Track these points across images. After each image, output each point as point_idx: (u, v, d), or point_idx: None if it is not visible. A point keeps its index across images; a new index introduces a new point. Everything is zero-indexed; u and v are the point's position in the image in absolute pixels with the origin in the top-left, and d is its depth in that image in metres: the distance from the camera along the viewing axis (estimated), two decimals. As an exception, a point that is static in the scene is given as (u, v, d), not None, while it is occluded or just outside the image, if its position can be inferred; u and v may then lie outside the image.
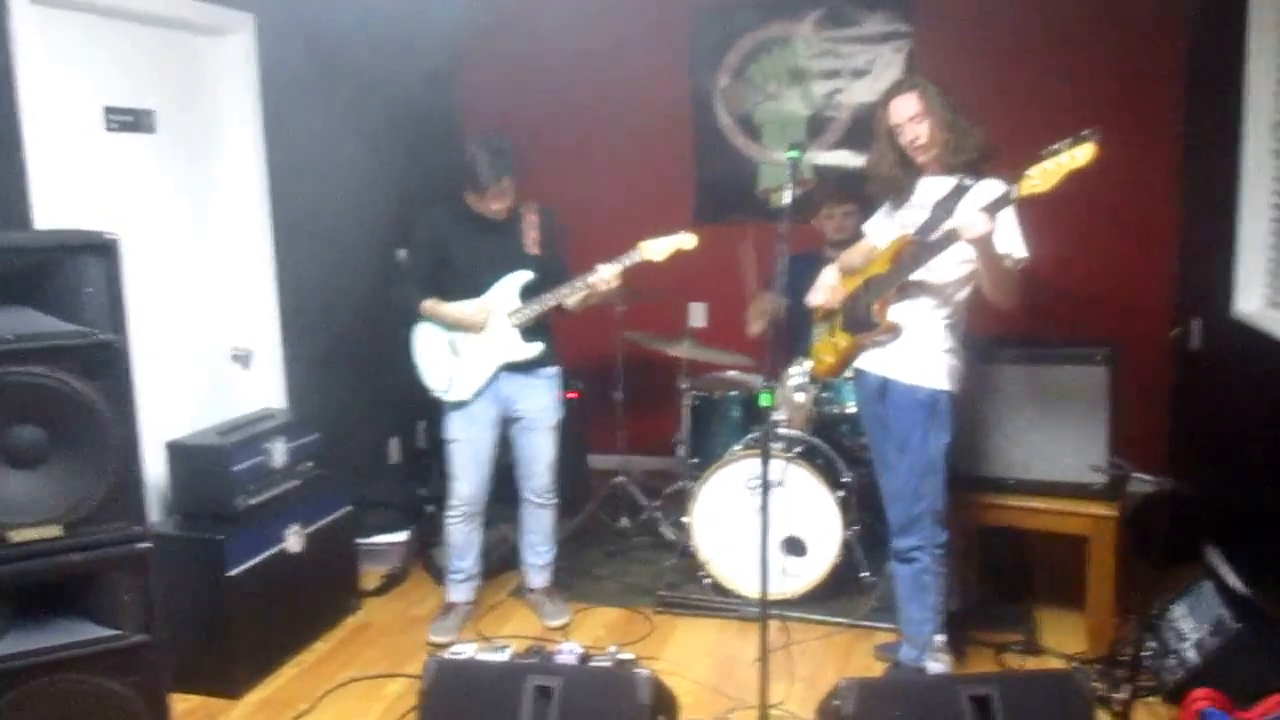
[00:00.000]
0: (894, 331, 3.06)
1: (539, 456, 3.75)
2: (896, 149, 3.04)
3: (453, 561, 3.82)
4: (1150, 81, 4.64)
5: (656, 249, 3.49)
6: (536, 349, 3.61)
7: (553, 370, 3.73)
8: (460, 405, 3.63)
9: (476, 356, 3.60)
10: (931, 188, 3.06)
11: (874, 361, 3.16)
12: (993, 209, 2.73)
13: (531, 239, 3.61)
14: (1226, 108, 3.75)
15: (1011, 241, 2.89)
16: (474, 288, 3.59)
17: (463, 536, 3.77)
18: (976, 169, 2.98)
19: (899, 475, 3.13)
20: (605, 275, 3.47)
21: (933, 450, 3.07)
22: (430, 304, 3.59)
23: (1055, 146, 2.64)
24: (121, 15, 3.47)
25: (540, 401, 3.70)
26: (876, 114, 3.11)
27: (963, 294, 3.06)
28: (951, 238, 2.83)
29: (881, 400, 3.15)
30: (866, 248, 3.29)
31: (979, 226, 2.72)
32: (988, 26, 4.81)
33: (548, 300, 3.54)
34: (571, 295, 3.53)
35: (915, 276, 2.99)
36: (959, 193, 2.98)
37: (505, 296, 3.59)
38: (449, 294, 3.60)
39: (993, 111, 4.59)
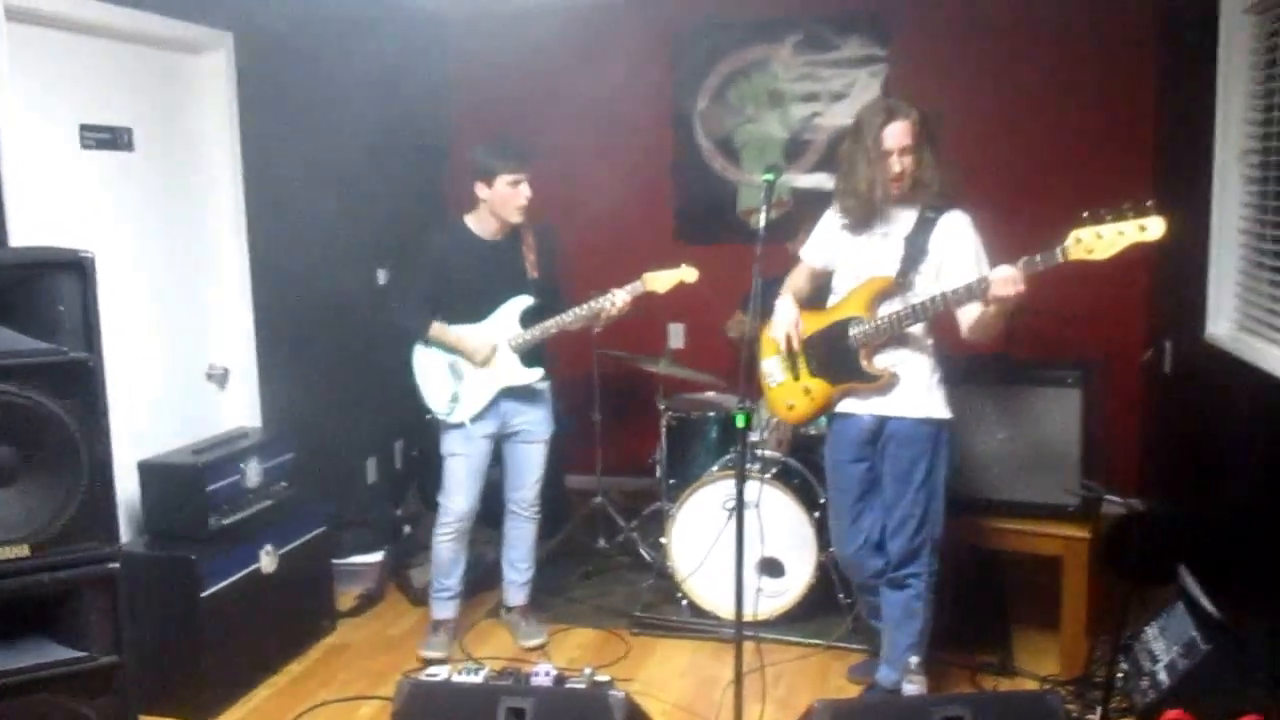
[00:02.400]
0: (894, 381, 3.03)
1: (530, 470, 3.78)
2: (877, 169, 2.94)
3: (439, 580, 3.78)
4: (1123, 107, 4.71)
5: (660, 280, 3.54)
6: (536, 374, 3.64)
7: (546, 384, 3.76)
8: (459, 425, 3.63)
9: (478, 380, 3.61)
10: (896, 216, 3.04)
11: (864, 404, 3.10)
12: (1029, 268, 2.68)
13: (530, 262, 3.63)
14: (1198, 134, 3.81)
15: (982, 266, 2.90)
16: (474, 311, 3.60)
17: (451, 554, 3.75)
18: (938, 203, 2.99)
19: (901, 509, 3.09)
20: (618, 301, 3.51)
21: (938, 479, 3.07)
22: (438, 328, 3.59)
23: (1104, 212, 2.54)
24: (98, 33, 3.46)
25: (536, 415, 3.74)
26: (861, 127, 2.98)
27: (927, 326, 3.06)
28: (975, 290, 2.78)
29: (872, 443, 3.11)
30: (806, 271, 3.25)
31: (1015, 286, 2.68)
32: (963, 53, 4.87)
33: (549, 328, 3.57)
34: (574, 323, 3.57)
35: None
36: (927, 225, 2.98)
37: (506, 322, 3.60)
38: (447, 315, 3.60)
39: (967, 136, 4.69)
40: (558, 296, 3.64)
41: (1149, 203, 2.52)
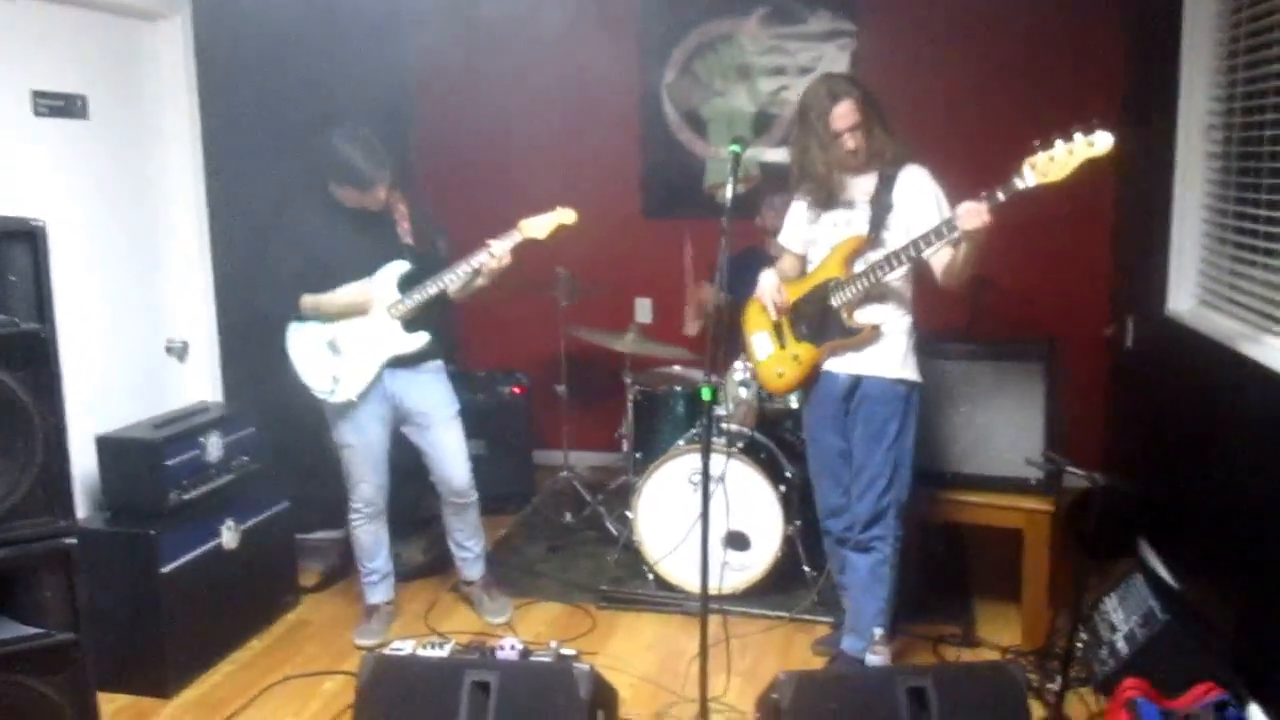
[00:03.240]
0: (876, 336, 3.08)
1: (446, 453, 3.65)
2: (832, 152, 3.03)
3: (364, 564, 3.74)
4: (1089, 81, 4.72)
5: (537, 226, 3.43)
6: (421, 340, 3.52)
7: (438, 364, 3.65)
8: (347, 409, 3.52)
9: (359, 352, 3.48)
10: (856, 184, 3.11)
11: (842, 362, 3.15)
12: (991, 200, 2.74)
13: (404, 229, 3.53)
14: (1162, 109, 3.83)
15: (944, 210, 2.95)
16: (348, 279, 3.47)
17: (370, 537, 3.71)
18: (894, 165, 3.07)
19: (870, 469, 3.13)
20: (496, 251, 3.37)
21: (906, 441, 3.13)
22: (310, 299, 3.46)
23: (1054, 137, 2.62)
24: (51, -3, 3.38)
25: (430, 397, 3.61)
26: (808, 113, 3.05)
27: (909, 286, 3.12)
28: (943, 231, 2.84)
29: (847, 400, 3.16)
30: (791, 258, 3.33)
31: (981, 218, 2.74)
32: (930, 26, 4.87)
33: (429, 288, 3.44)
34: (456, 280, 3.44)
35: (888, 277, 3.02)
36: (888, 183, 3.05)
37: (384, 290, 3.49)
38: (321, 287, 3.47)
39: (934, 109, 4.70)
40: (440, 265, 3.48)
41: (1094, 120, 2.59)
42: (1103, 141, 2.58)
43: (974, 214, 2.75)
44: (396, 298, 3.48)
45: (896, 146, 3.05)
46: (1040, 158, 2.64)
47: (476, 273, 3.42)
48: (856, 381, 3.13)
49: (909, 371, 3.11)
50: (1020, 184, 2.68)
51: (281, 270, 3.49)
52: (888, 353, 3.09)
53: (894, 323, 3.10)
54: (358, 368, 3.49)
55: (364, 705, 2.54)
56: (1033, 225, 4.68)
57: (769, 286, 3.22)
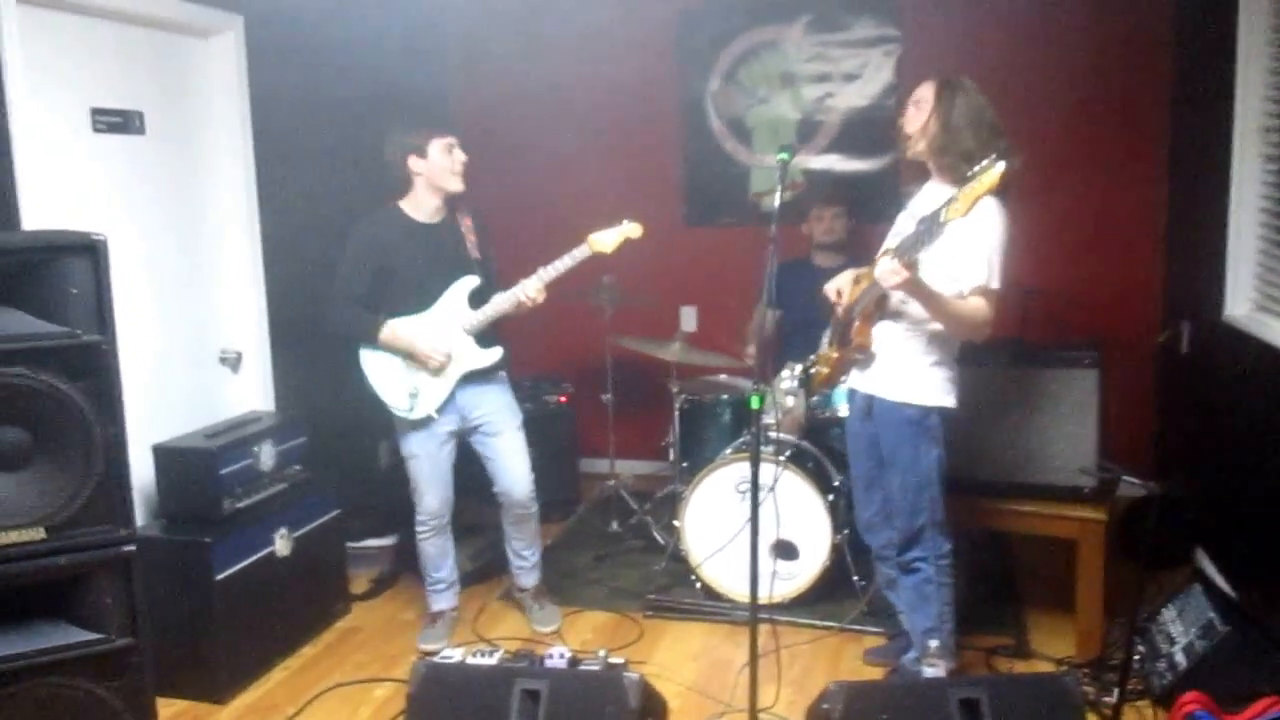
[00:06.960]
0: (864, 350, 3.02)
1: (511, 461, 3.65)
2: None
3: (430, 574, 3.77)
4: (1138, 85, 4.65)
5: (605, 240, 3.49)
6: (496, 354, 3.55)
7: (504, 374, 3.67)
8: (421, 423, 3.55)
9: (436, 370, 3.52)
10: (929, 194, 3.00)
11: (861, 380, 3.12)
12: (908, 252, 2.69)
13: (471, 243, 3.55)
14: (1216, 111, 3.76)
15: (969, 269, 2.82)
16: (419, 296, 3.49)
17: (436, 549, 3.73)
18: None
19: (892, 491, 3.09)
20: (530, 293, 3.44)
21: (924, 466, 3.00)
22: (389, 333, 3.46)
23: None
24: (109, 16, 3.45)
25: (496, 403, 3.63)
26: None
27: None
28: (875, 288, 2.84)
29: (868, 418, 3.12)
30: None
31: (891, 277, 2.69)
32: (976, 32, 4.82)
33: (501, 304, 3.47)
34: (508, 303, 3.48)
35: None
36: (947, 204, 2.90)
37: (456, 306, 3.51)
38: (391, 305, 3.50)
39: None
40: (495, 278, 3.55)
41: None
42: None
43: (885, 273, 2.71)
44: (469, 314, 3.51)
45: (962, 152, 2.84)
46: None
47: (519, 304, 3.48)
48: (870, 401, 3.08)
49: (919, 395, 2.97)
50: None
51: (351, 287, 3.49)
52: (893, 374, 3.00)
53: (900, 344, 2.98)
54: (435, 383, 3.52)
55: (415, 712, 2.56)
56: (1081, 229, 4.67)
57: (833, 283, 3.15)
